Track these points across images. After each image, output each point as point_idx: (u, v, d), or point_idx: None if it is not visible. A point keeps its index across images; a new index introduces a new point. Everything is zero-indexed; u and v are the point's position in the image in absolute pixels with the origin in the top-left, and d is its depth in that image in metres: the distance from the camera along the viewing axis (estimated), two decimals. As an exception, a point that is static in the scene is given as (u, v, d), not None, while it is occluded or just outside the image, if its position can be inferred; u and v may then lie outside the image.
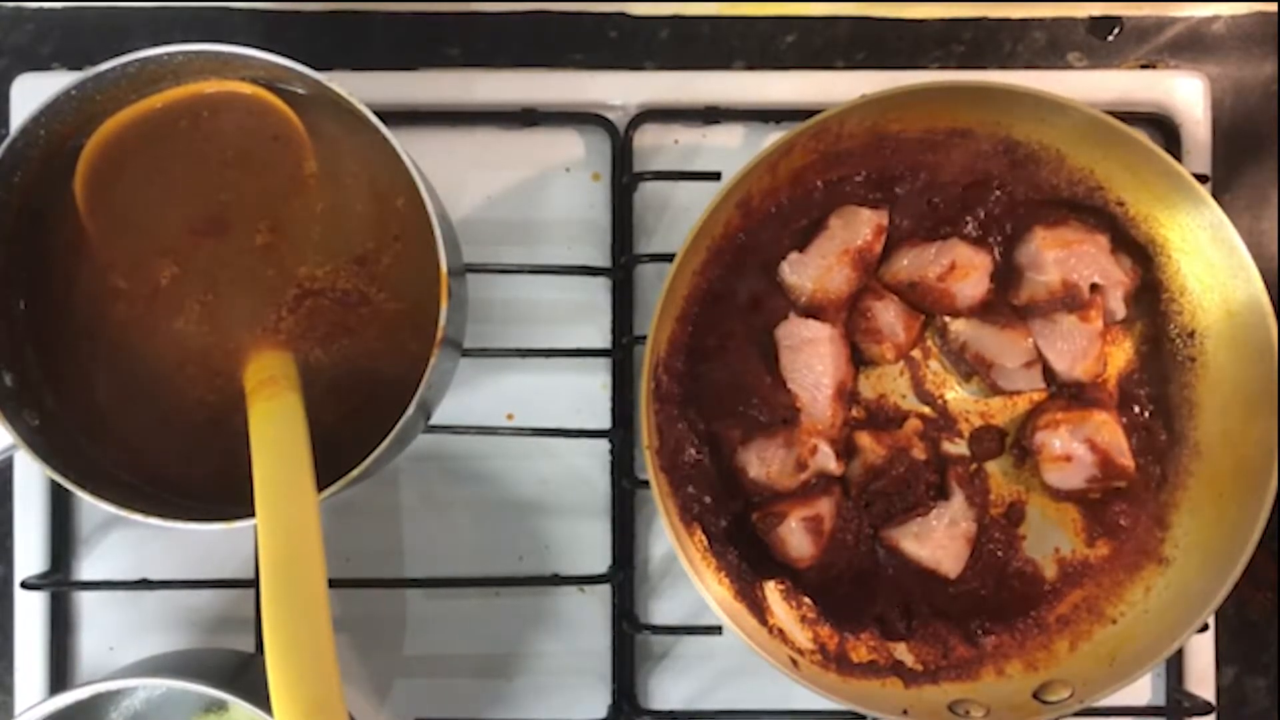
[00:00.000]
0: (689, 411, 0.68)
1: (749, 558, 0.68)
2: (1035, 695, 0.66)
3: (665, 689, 0.73)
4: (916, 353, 0.71)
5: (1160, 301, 0.69)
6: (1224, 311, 0.66)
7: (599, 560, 0.72)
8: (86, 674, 0.72)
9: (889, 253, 0.69)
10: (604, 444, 0.72)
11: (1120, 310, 0.68)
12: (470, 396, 0.72)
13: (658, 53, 0.75)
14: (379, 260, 0.59)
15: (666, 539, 0.67)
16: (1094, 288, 0.68)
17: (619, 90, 0.73)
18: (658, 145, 0.73)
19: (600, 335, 0.73)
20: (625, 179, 0.72)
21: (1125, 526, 0.69)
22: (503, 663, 0.73)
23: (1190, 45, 0.76)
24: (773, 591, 0.68)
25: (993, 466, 0.71)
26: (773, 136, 0.70)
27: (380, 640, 0.72)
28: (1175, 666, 0.72)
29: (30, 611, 0.71)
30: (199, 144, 0.58)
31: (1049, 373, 0.69)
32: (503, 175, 0.73)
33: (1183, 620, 0.64)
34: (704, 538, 0.67)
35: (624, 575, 0.71)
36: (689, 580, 0.62)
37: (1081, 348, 0.68)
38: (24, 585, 0.69)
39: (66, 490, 0.54)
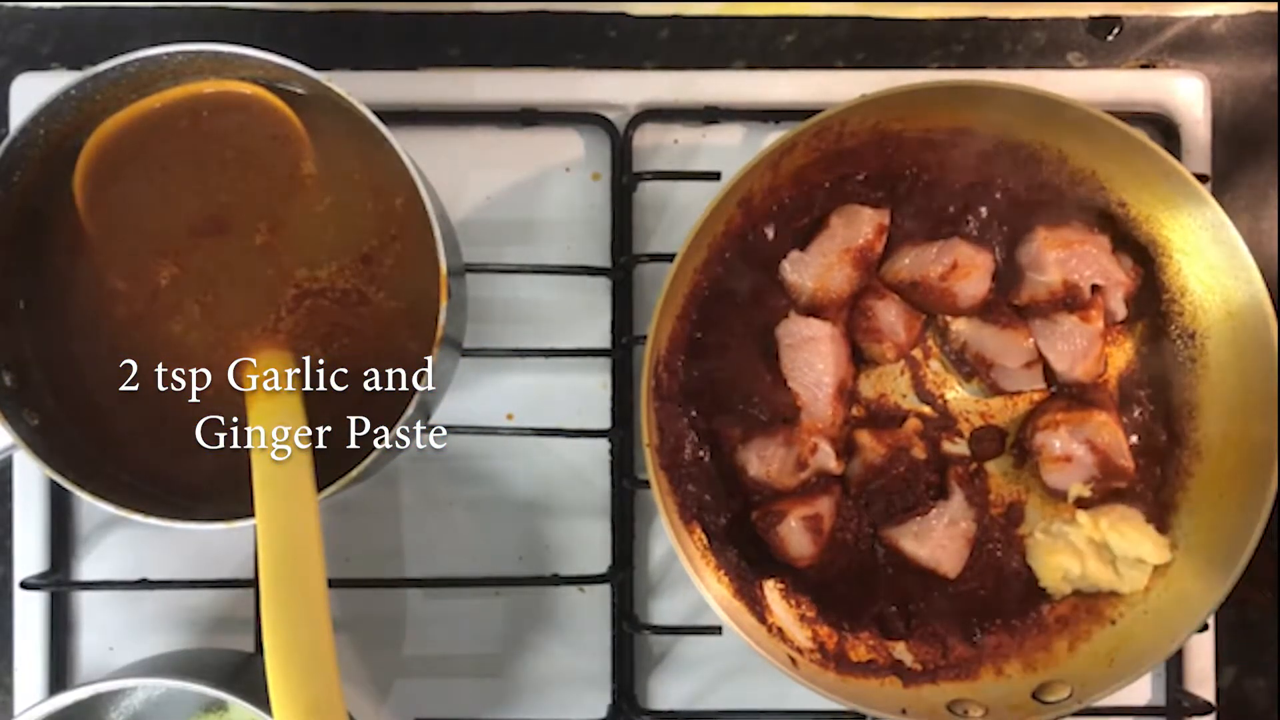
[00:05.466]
0: (689, 409, 0.68)
1: (748, 556, 0.68)
2: (1034, 695, 0.66)
3: (665, 689, 0.73)
4: (917, 352, 0.71)
5: (1161, 302, 0.69)
6: (1225, 312, 0.66)
7: (599, 560, 0.72)
8: (86, 674, 0.72)
9: (890, 252, 0.69)
10: (604, 444, 0.72)
11: (1121, 311, 0.68)
12: (470, 396, 0.72)
13: (658, 53, 0.75)
14: (379, 260, 0.59)
15: (666, 539, 0.67)
16: (1095, 288, 0.68)
17: (619, 90, 0.73)
18: (657, 145, 0.73)
19: (600, 335, 0.73)
20: (625, 179, 0.72)
21: (1125, 527, 0.70)
22: (503, 663, 0.73)
23: (1190, 45, 0.76)
24: (772, 590, 0.68)
25: (993, 466, 0.71)
26: (773, 136, 0.70)
27: (380, 640, 0.72)
28: (1175, 666, 0.73)
29: (30, 611, 0.71)
30: (199, 144, 0.58)
31: (1049, 373, 0.69)
32: (503, 175, 0.73)
33: (1183, 620, 0.64)
34: (703, 536, 0.67)
35: (624, 575, 0.71)
36: (689, 580, 0.62)
37: (1082, 348, 0.68)
38: (24, 585, 0.69)
39: (66, 490, 0.54)
